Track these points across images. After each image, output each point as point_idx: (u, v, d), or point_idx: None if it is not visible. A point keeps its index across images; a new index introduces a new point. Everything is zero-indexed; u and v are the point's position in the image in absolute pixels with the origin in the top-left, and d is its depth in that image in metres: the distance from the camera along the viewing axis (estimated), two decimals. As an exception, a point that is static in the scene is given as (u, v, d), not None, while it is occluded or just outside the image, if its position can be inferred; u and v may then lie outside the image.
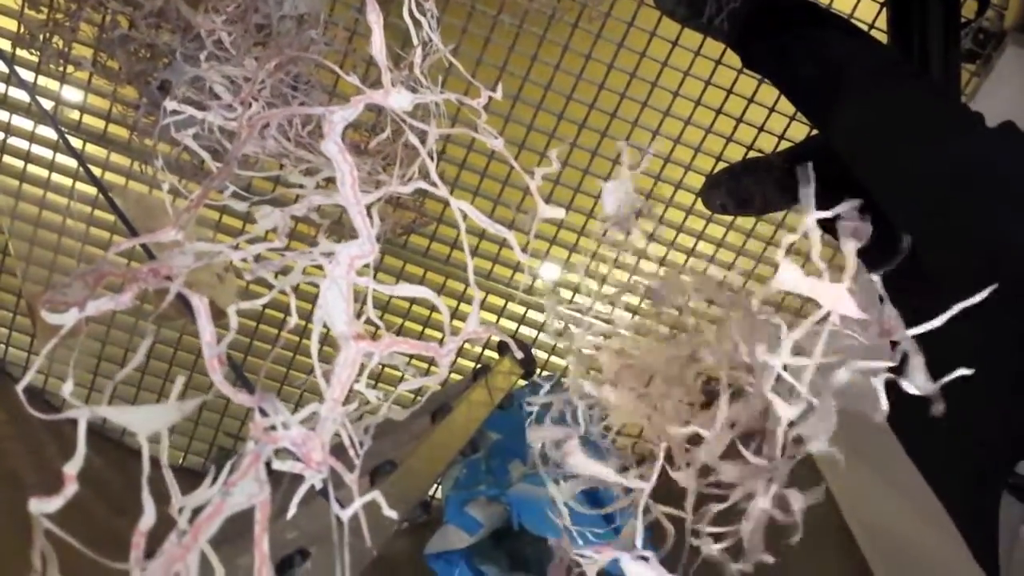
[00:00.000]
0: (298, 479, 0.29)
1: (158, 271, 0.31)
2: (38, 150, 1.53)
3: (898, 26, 1.19)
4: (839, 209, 0.30)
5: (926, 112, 0.86)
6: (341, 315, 0.25)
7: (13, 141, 1.52)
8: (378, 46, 0.33)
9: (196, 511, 0.22)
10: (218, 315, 0.31)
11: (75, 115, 1.50)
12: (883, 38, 1.24)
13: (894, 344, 0.32)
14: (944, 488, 0.74)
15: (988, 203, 0.72)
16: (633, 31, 1.42)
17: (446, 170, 1.52)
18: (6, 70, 1.44)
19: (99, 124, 1.50)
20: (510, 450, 1.28)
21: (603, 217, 0.37)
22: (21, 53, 1.43)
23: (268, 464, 0.28)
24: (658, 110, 1.49)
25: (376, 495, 0.25)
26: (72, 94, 1.49)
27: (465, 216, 0.36)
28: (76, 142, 1.51)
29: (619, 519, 0.30)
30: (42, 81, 1.48)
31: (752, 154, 1.51)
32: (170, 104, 0.41)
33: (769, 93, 1.44)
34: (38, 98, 1.42)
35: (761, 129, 1.49)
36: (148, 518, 0.23)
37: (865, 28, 1.38)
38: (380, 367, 0.34)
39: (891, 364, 0.31)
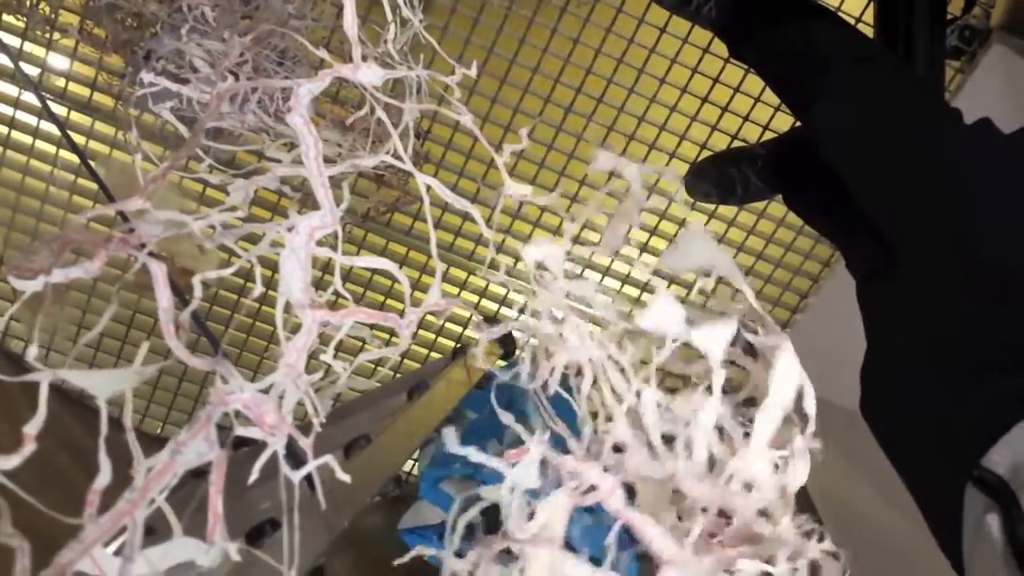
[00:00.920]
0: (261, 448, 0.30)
1: (128, 239, 0.31)
2: (22, 116, 1.52)
3: (884, 21, 1.19)
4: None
5: (905, 106, 0.87)
6: (298, 283, 0.26)
7: (-3, 107, 1.52)
8: (350, 20, 0.34)
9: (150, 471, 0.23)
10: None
11: (61, 82, 1.49)
12: (870, 32, 1.24)
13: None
14: (910, 477, 0.76)
15: (960, 194, 0.73)
16: (621, 17, 1.42)
17: (431, 150, 1.52)
18: (-9, 35, 1.43)
19: (85, 92, 1.50)
20: (487, 429, 1.29)
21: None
22: (7, 18, 1.42)
23: (244, 439, 0.28)
24: (644, 96, 1.50)
25: (330, 459, 0.26)
26: (58, 61, 1.48)
27: (433, 193, 0.37)
28: (61, 109, 1.50)
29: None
30: (28, 47, 1.47)
31: (737, 143, 1.51)
32: (146, 76, 0.42)
33: (755, 83, 1.45)
34: (21, 64, 1.41)
35: (746, 119, 1.50)
36: (104, 476, 0.24)
37: (852, 22, 1.39)
38: (347, 339, 0.35)
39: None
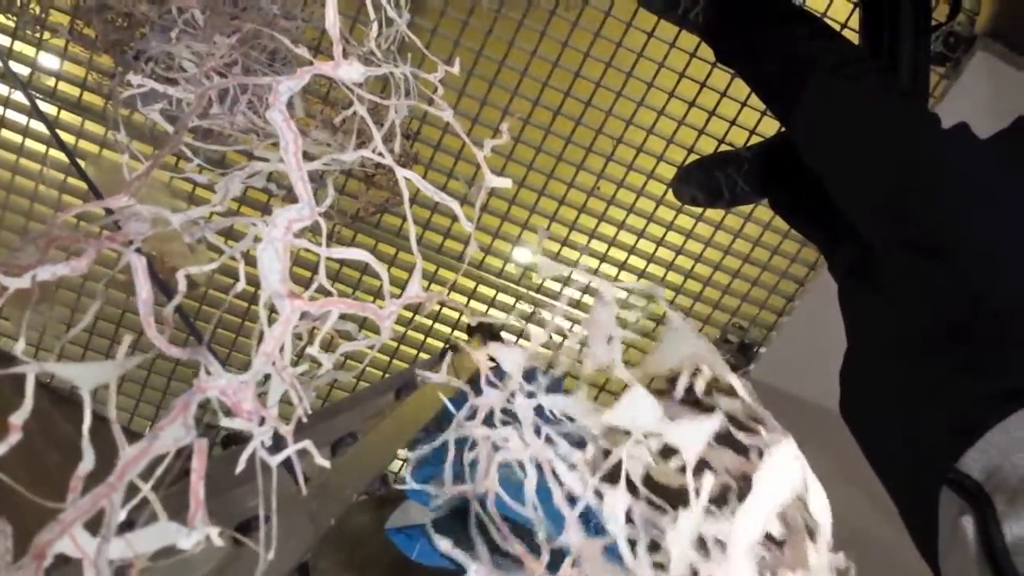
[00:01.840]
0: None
1: (114, 237, 0.32)
2: (12, 115, 1.52)
3: (869, 27, 1.21)
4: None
5: (883, 112, 0.89)
6: (276, 275, 0.26)
7: (-13, 106, 1.52)
8: (331, 18, 0.35)
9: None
10: (191, 285, 0.32)
11: (51, 82, 1.49)
12: (855, 38, 1.26)
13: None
14: (888, 478, 0.77)
15: (935, 197, 0.75)
16: (610, 21, 1.43)
17: (420, 151, 1.53)
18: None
19: (75, 91, 1.50)
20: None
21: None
22: (-2, 18, 1.43)
23: (237, 434, 0.29)
24: (632, 100, 1.51)
25: (308, 444, 0.27)
26: (48, 60, 1.49)
27: (421, 194, 0.38)
28: (51, 109, 1.50)
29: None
30: (18, 47, 1.47)
31: (724, 147, 1.53)
32: (134, 78, 0.42)
33: (742, 87, 1.46)
34: (11, 63, 1.42)
35: (733, 123, 1.52)
36: (87, 463, 0.25)
37: (838, 28, 1.40)
38: (336, 339, 0.36)
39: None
